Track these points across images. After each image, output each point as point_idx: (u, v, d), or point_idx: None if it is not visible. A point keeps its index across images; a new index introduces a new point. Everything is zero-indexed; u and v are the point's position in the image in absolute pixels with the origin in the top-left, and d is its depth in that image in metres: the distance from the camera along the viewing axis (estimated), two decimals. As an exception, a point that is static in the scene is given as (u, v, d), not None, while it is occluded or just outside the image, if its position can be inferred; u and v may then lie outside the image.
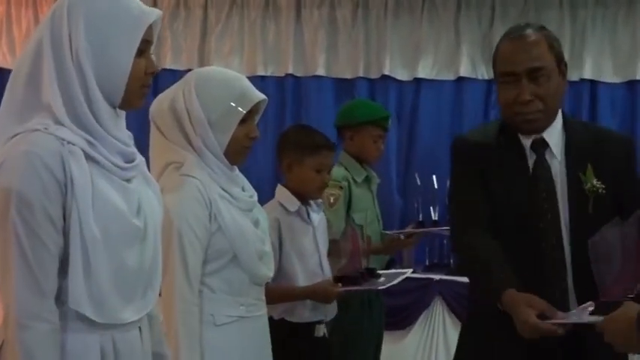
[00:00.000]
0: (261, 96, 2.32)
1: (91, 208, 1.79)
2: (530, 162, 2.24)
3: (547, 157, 2.23)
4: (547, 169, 2.23)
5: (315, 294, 2.91)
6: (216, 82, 2.30)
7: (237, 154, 2.31)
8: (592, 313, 1.95)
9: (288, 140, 3.15)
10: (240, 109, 2.27)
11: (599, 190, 2.17)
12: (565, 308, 2.10)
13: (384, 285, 3.13)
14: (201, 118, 2.25)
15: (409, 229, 4.30)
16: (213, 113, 2.26)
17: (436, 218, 4.64)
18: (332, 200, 3.77)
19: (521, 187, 2.24)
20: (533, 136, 2.24)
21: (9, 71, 5.51)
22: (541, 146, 2.24)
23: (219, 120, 2.26)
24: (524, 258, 2.19)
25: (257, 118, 2.36)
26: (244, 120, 2.29)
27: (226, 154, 2.28)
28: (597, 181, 2.18)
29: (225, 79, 2.33)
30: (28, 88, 1.83)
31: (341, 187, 3.81)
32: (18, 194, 1.72)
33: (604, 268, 1.99)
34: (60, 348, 1.77)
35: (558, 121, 2.26)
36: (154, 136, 2.38)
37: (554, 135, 2.24)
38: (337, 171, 3.84)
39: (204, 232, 2.27)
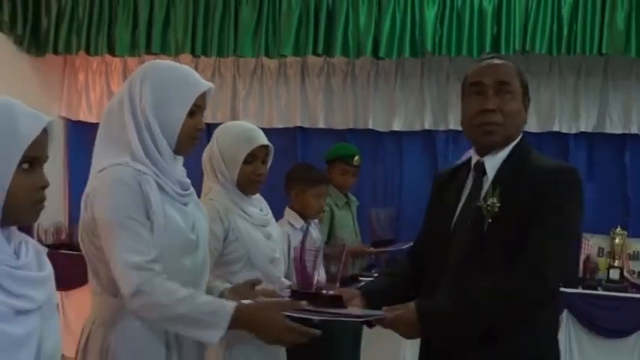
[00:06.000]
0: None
1: (162, 224, 1.88)
2: (469, 184, 2.13)
3: (484, 180, 2.10)
4: (477, 190, 2.09)
5: None
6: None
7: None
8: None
9: (294, 175, 3.59)
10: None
11: (490, 209, 1.99)
12: None
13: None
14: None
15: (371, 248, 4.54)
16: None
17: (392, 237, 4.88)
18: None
19: (447, 209, 2.15)
20: (477, 159, 2.12)
21: (89, 124, 6.35)
22: (479, 169, 2.11)
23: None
24: (434, 271, 2.14)
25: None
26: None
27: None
28: (493, 199, 1.99)
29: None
30: (117, 130, 1.93)
31: (324, 211, 4.12)
32: (112, 203, 1.83)
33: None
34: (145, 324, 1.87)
35: (508, 148, 2.10)
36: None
37: (495, 159, 2.09)
38: (323, 197, 3.95)
39: (217, 243, 2.48)
